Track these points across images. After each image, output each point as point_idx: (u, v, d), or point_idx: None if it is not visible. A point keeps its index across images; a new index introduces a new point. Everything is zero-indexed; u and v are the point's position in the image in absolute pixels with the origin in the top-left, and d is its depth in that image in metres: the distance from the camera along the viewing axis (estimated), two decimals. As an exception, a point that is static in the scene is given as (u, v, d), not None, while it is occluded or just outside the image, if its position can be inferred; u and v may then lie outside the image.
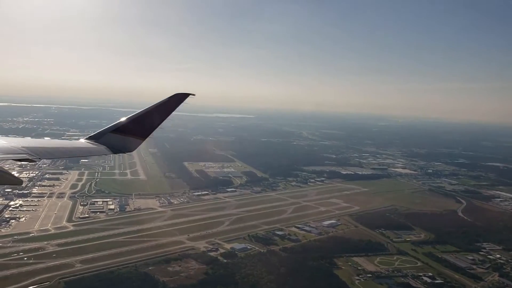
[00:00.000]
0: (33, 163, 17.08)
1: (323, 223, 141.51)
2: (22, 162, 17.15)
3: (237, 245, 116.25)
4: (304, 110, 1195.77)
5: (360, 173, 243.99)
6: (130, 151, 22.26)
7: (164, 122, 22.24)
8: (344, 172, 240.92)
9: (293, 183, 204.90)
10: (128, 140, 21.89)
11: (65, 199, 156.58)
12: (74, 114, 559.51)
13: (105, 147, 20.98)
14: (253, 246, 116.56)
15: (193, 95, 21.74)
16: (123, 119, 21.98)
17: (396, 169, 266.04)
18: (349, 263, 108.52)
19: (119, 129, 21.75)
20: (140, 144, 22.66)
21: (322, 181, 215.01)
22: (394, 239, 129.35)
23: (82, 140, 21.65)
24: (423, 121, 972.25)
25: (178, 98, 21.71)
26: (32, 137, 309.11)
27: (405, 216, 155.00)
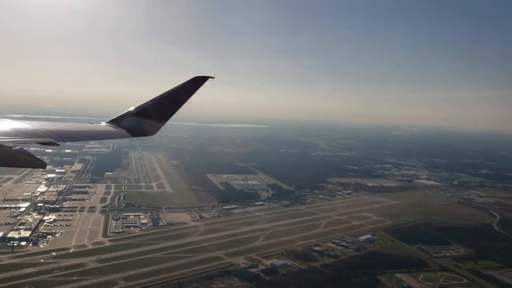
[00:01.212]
0: (56, 146, 16.87)
1: (359, 238, 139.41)
2: (46, 147, 17.07)
3: (276, 261, 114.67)
4: (314, 120, 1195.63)
5: (385, 185, 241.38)
6: (151, 134, 22.38)
7: (183, 105, 22.30)
8: (370, 184, 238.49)
9: (321, 196, 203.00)
10: (148, 123, 22.05)
11: (97, 213, 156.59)
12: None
13: (125, 130, 21.29)
14: (293, 263, 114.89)
15: (212, 78, 21.52)
16: (144, 102, 22.11)
17: (421, 181, 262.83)
18: (394, 280, 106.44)
19: (139, 112, 21.97)
20: (160, 127, 22.68)
21: (349, 193, 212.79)
22: (433, 255, 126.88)
23: (103, 124, 22.01)
24: (436, 131, 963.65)
25: (197, 81, 21.70)
26: (52, 149, 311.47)
27: (440, 230, 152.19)
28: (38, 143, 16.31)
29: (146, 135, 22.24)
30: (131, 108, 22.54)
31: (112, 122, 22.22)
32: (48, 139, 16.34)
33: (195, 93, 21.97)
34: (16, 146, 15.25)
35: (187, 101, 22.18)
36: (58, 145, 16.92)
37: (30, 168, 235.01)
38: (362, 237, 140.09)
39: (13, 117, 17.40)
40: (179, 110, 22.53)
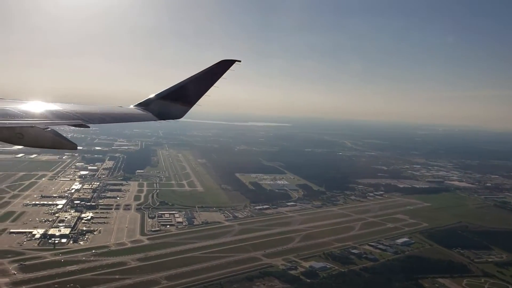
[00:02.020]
0: (86, 128, 17.04)
1: (397, 241, 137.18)
2: (76, 128, 17.35)
3: (315, 264, 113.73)
4: (336, 119, 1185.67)
5: (417, 186, 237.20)
6: (178, 118, 22.68)
7: (210, 89, 22.47)
8: (401, 186, 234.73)
9: (352, 197, 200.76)
10: (175, 107, 22.37)
11: (132, 211, 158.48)
12: (115, 124, 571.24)
13: (152, 114, 21.70)
14: (332, 265, 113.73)
15: (239, 61, 21.58)
16: (171, 86, 22.42)
17: (452, 182, 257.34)
18: (436, 285, 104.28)
19: (167, 96, 22.34)
20: (187, 111, 22.92)
21: (381, 195, 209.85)
22: (475, 260, 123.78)
23: (132, 107, 22.47)
24: (462, 130, 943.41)
25: (224, 65, 21.73)
26: (83, 147, 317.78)
27: (479, 235, 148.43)
28: (69, 125, 16.64)
29: (172, 119, 22.54)
30: (160, 92, 22.77)
31: (140, 105, 22.52)
32: (78, 121, 16.63)
33: (222, 77, 22.08)
34: (47, 128, 15.67)
35: (214, 85, 22.32)
36: (89, 127, 17.14)
37: (64, 165, 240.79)
38: (399, 240, 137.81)
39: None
40: (205, 94, 22.67)
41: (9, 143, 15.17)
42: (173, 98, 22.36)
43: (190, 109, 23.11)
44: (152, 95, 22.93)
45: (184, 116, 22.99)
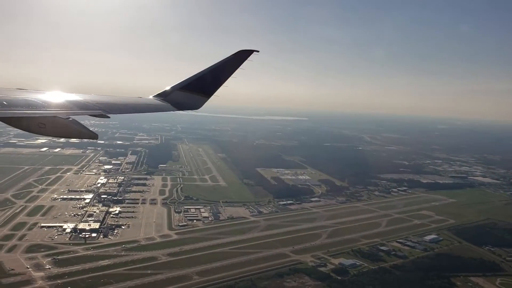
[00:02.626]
0: (106, 118, 17.43)
1: (424, 238, 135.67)
2: (97, 118, 17.76)
3: (345, 261, 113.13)
4: (354, 113, 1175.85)
5: (440, 182, 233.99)
6: (196, 108, 22.75)
7: (228, 80, 22.53)
8: (424, 181, 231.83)
9: (376, 193, 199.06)
10: (194, 97, 22.54)
11: (158, 205, 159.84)
12: (133, 117, 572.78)
13: (170, 105, 21.78)
14: (362, 263, 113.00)
15: (257, 51, 21.48)
16: (189, 77, 22.61)
17: (476, 178, 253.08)
18: (469, 284, 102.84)
19: (185, 86, 22.51)
20: (204, 102, 23.01)
21: (404, 190, 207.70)
22: (507, 258, 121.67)
23: (151, 97, 22.64)
24: (481, 124, 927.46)
25: (242, 55, 21.67)
26: (104, 141, 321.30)
27: (509, 232, 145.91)
28: (89, 114, 16.87)
29: (190, 110, 22.66)
30: (179, 82, 22.90)
31: (159, 96, 22.60)
32: (99, 111, 16.80)
33: (239, 68, 22.04)
34: (68, 118, 15.97)
35: (232, 76, 22.30)
36: (109, 117, 17.37)
37: (87, 159, 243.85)
38: (427, 237, 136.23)
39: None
40: (223, 85, 22.75)
41: (31, 132, 15.55)
42: (191, 89, 22.52)
43: (208, 99, 23.18)
44: (170, 86, 23.06)
45: (201, 110, 23.07)
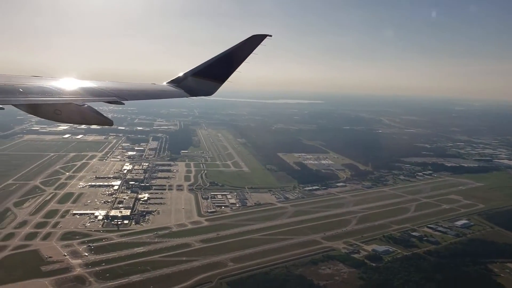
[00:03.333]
0: (121, 104, 17.44)
1: (455, 223, 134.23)
2: (112, 105, 17.89)
3: (377, 247, 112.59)
4: (369, 94, 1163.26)
5: (465, 165, 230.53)
6: (209, 95, 22.81)
7: (241, 65, 22.33)
8: (449, 165, 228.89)
9: (401, 177, 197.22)
10: (207, 83, 22.52)
11: (185, 191, 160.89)
12: (150, 103, 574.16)
13: (184, 91, 21.92)
14: (395, 249, 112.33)
15: (270, 36, 21.37)
16: (202, 63, 22.53)
17: (502, 161, 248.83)
18: (507, 270, 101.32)
19: (198, 72, 22.49)
20: (218, 88, 22.98)
21: (430, 174, 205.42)
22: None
23: (164, 84, 22.78)
24: (500, 104, 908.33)
25: (255, 40, 21.49)
26: (124, 127, 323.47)
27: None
28: (104, 101, 17.06)
29: (204, 96, 22.75)
30: (192, 68, 22.84)
31: (172, 82, 22.75)
32: (113, 98, 17.00)
33: (253, 52, 21.82)
34: (84, 104, 16.35)
35: (245, 61, 22.10)
36: (123, 103, 17.43)
37: (110, 145, 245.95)
38: (458, 222, 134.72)
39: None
40: (236, 70, 22.61)
41: (47, 119, 16.05)
42: (204, 75, 22.50)
43: (221, 85, 23.14)
44: (184, 72, 23.08)
45: (216, 94, 23.06)
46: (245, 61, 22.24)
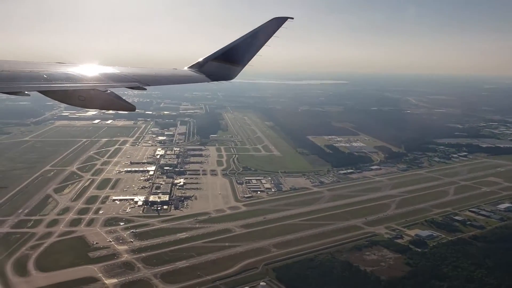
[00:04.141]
0: (143, 90, 17.63)
1: (498, 207, 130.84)
2: (134, 90, 18.02)
3: (420, 232, 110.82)
4: (393, 73, 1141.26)
5: (501, 146, 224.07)
6: (230, 79, 22.78)
7: (262, 48, 22.08)
8: (484, 146, 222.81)
9: (436, 159, 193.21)
10: (228, 68, 22.43)
11: (219, 176, 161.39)
12: (174, 87, 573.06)
13: (205, 75, 21.85)
14: (438, 234, 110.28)
15: (291, 18, 21.09)
16: (223, 47, 22.25)
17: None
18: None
19: (219, 57, 22.29)
20: (239, 72, 22.91)
21: (465, 156, 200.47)
22: None
23: (186, 68, 22.68)
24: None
25: (276, 23, 21.18)
26: (151, 111, 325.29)
27: None
28: (127, 87, 17.25)
29: (225, 80, 22.70)
30: (213, 52, 22.64)
31: (193, 67, 22.63)
32: (135, 84, 17.28)
33: (274, 35, 21.59)
34: (107, 90, 16.42)
35: (266, 44, 21.87)
36: (145, 89, 17.67)
37: (140, 130, 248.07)
38: (501, 206, 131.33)
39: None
40: (257, 54, 22.34)
41: (71, 105, 16.21)
42: (225, 59, 22.34)
43: (242, 69, 23.03)
44: (204, 57, 22.81)
45: (237, 77, 22.94)
46: (265, 44, 22.11)
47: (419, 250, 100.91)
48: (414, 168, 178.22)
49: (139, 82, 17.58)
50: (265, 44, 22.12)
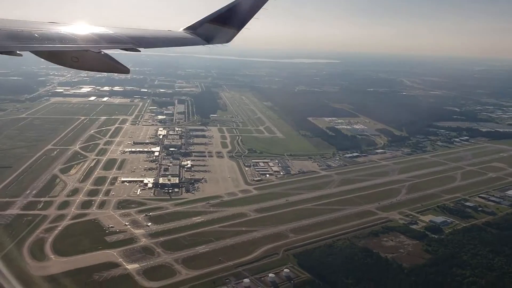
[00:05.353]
0: (137, 52, 17.30)
1: (507, 193, 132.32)
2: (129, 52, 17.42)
3: (434, 218, 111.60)
4: (383, 53, 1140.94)
5: (501, 130, 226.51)
6: (226, 42, 22.32)
7: (259, 11, 21.66)
8: (484, 130, 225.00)
9: (439, 143, 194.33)
10: (224, 31, 21.85)
11: (226, 158, 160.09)
12: (167, 64, 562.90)
13: (200, 38, 21.32)
14: (452, 220, 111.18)
15: None
16: (219, 8, 21.71)
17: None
18: None
19: (215, 19, 21.67)
20: (235, 35, 22.34)
21: (466, 140, 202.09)
22: None
23: (181, 30, 22.07)
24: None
25: None
26: (146, 89, 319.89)
27: None
28: (121, 48, 16.71)
29: (220, 43, 22.25)
30: (209, 14, 22.03)
31: (189, 29, 21.94)
32: (130, 45, 16.81)
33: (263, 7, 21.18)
34: (101, 52, 16.00)
35: (255, 17, 21.45)
36: (139, 51, 17.22)
37: (138, 108, 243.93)
38: (510, 192, 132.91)
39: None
40: (254, 17, 21.79)
41: (64, 66, 15.98)
42: (221, 21, 21.63)
43: (238, 33, 22.35)
44: (200, 19, 22.16)
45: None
46: (255, 17, 21.53)
47: (436, 236, 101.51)
48: (419, 152, 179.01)
49: (134, 44, 17.06)
50: (255, 17, 21.62)
